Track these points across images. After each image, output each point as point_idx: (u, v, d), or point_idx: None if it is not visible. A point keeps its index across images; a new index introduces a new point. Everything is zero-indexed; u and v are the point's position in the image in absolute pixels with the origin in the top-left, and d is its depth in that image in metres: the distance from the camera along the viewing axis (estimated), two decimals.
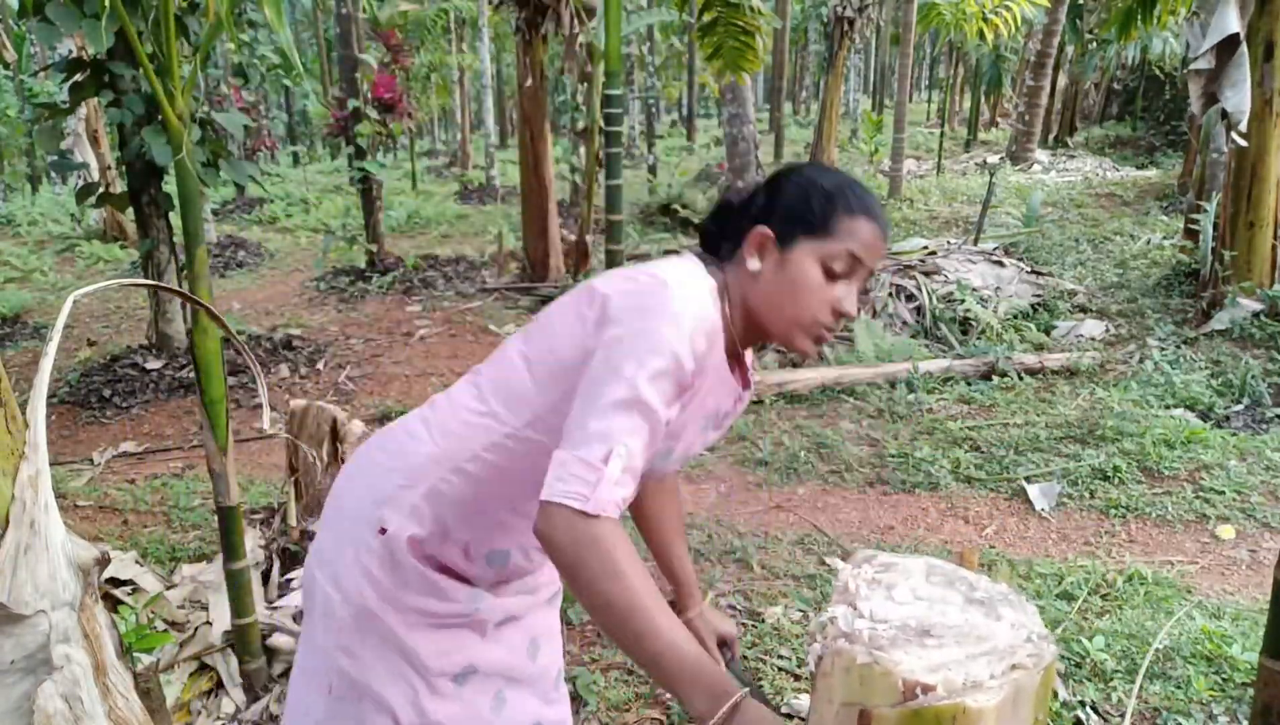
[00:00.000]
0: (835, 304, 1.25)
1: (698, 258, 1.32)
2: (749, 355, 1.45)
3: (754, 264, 1.27)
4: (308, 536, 3.09)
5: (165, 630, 2.59)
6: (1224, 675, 2.52)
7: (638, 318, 1.17)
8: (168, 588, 2.93)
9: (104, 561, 1.43)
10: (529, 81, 7.81)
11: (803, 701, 2.37)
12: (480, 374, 1.37)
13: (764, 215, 1.28)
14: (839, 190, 1.27)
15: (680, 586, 1.73)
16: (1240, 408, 4.72)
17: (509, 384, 1.30)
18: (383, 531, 1.29)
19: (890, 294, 6.39)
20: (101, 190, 5.69)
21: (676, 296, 1.18)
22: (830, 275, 1.24)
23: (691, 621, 1.71)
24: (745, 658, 2.61)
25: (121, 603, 2.67)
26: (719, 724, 1.01)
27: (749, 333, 1.33)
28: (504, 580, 1.39)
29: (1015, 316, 6.32)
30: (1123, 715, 2.35)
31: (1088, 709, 2.38)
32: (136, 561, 3.05)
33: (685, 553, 1.76)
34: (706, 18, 5.95)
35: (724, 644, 1.76)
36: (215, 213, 12.75)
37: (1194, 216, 6.97)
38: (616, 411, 1.11)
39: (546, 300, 7.63)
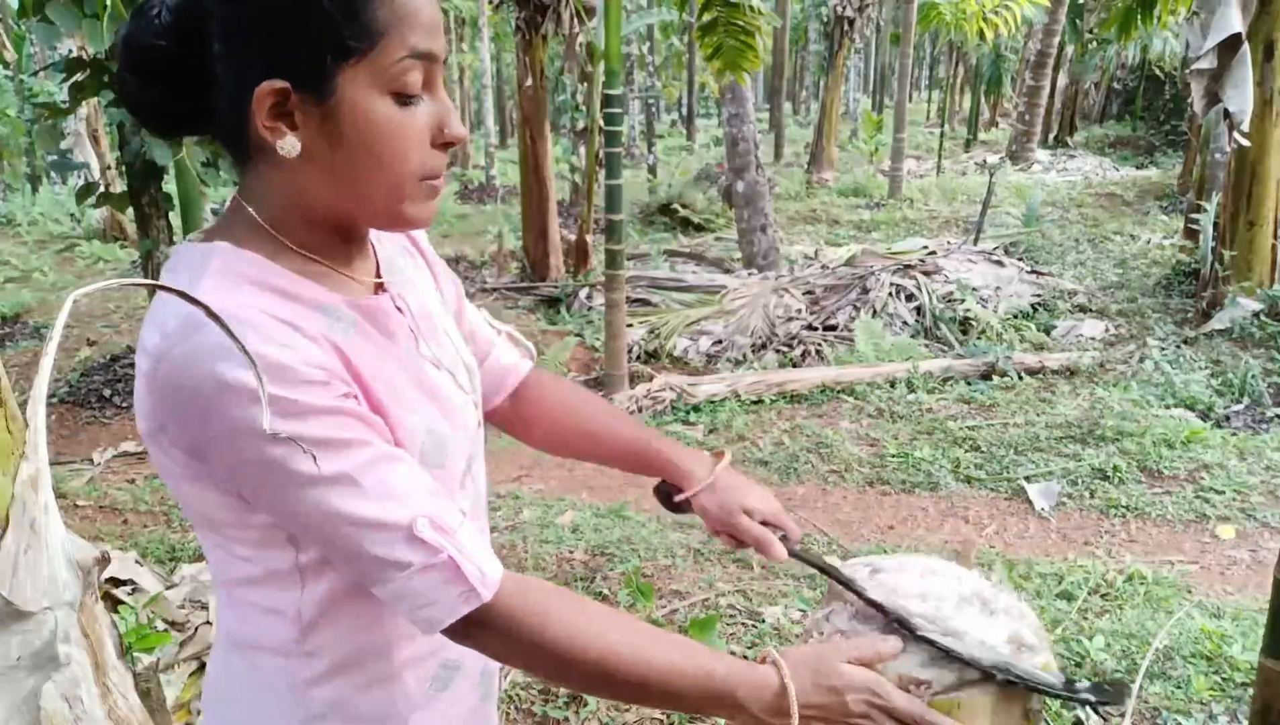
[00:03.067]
0: (433, 134, 0.85)
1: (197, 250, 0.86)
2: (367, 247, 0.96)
3: (288, 145, 0.81)
4: None
5: (165, 630, 2.59)
6: (1224, 675, 2.52)
7: (201, 427, 0.77)
8: (168, 588, 2.93)
9: (104, 561, 1.43)
10: (529, 81, 7.81)
11: None
12: None
13: (239, 58, 0.80)
14: None
15: (663, 466, 1.20)
16: (1240, 407, 4.72)
17: None
18: None
19: (890, 294, 6.39)
20: (101, 190, 5.69)
21: (184, 372, 0.76)
22: (405, 99, 0.82)
23: (701, 499, 1.18)
24: (746, 658, 2.61)
25: (121, 603, 2.67)
26: (795, 719, 0.86)
27: (329, 231, 0.88)
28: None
29: (1015, 316, 6.32)
30: (1123, 715, 2.35)
31: (1088, 708, 2.38)
32: (136, 561, 3.05)
33: (637, 425, 1.25)
34: (706, 17, 5.95)
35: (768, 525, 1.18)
36: (215, 212, 12.74)
37: (1194, 216, 6.97)
38: (340, 500, 0.78)
39: (546, 300, 7.64)
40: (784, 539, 1.15)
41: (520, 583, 0.86)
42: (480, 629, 0.84)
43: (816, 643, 0.99)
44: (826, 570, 1.06)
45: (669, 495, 1.21)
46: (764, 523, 1.16)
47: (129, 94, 0.86)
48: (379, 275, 0.94)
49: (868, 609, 0.98)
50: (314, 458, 0.77)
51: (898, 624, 0.94)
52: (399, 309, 0.93)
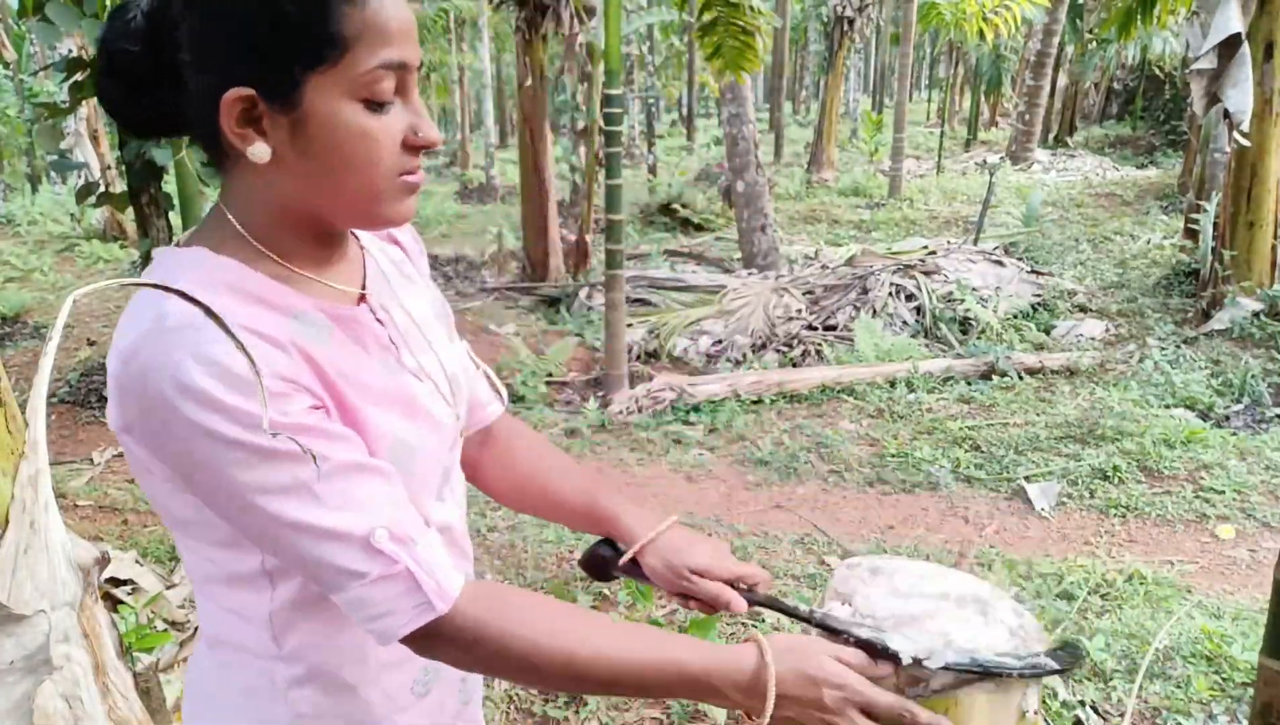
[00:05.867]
0: (406, 137, 0.84)
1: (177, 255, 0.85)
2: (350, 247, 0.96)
3: (257, 151, 0.80)
4: None
5: (165, 630, 2.59)
6: (1224, 675, 2.52)
7: (162, 429, 0.77)
8: (168, 587, 2.93)
9: (104, 561, 1.43)
10: (529, 81, 7.81)
11: None
12: None
13: (207, 65, 0.80)
14: None
15: (608, 520, 1.15)
16: (1240, 407, 4.72)
17: None
18: None
19: (890, 294, 6.39)
20: (101, 190, 5.68)
21: (154, 375, 0.75)
22: (376, 106, 0.81)
23: (647, 560, 1.11)
24: None
25: (121, 603, 2.67)
26: (771, 700, 0.86)
27: (307, 236, 0.88)
28: None
29: (1015, 316, 6.32)
30: (1123, 715, 2.35)
31: (1088, 708, 2.38)
32: (136, 561, 3.05)
33: (586, 477, 1.21)
34: (706, 17, 5.95)
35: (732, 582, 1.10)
36: None
37: (1194, 216, 6.98)
38: (295, 510, 0.79)
39: (546, 300, 7.64)
40: (751, 589, 1.08)
41: (479, 592, 0.85)
42: (438, 640, 0.84)
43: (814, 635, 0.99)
44: (794, 613, 1.01)
45: (604, 560, 1.15)
46: (723, 579, 1.08)
47: (105, 96, 0.87)
48: (364, 286, 0.94)
49: (866, 609, 0.98)
50: (266, 467, 0.77)
51: (873, 647, 0.91)
52: (379, 321, 0.93)
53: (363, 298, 0.93)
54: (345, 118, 0.80)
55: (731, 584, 1.08)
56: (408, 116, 0.84)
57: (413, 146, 0.85)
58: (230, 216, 0.85)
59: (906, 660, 0.89)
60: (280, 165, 0.82)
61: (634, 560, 1.12)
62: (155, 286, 0.80)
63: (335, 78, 0.79)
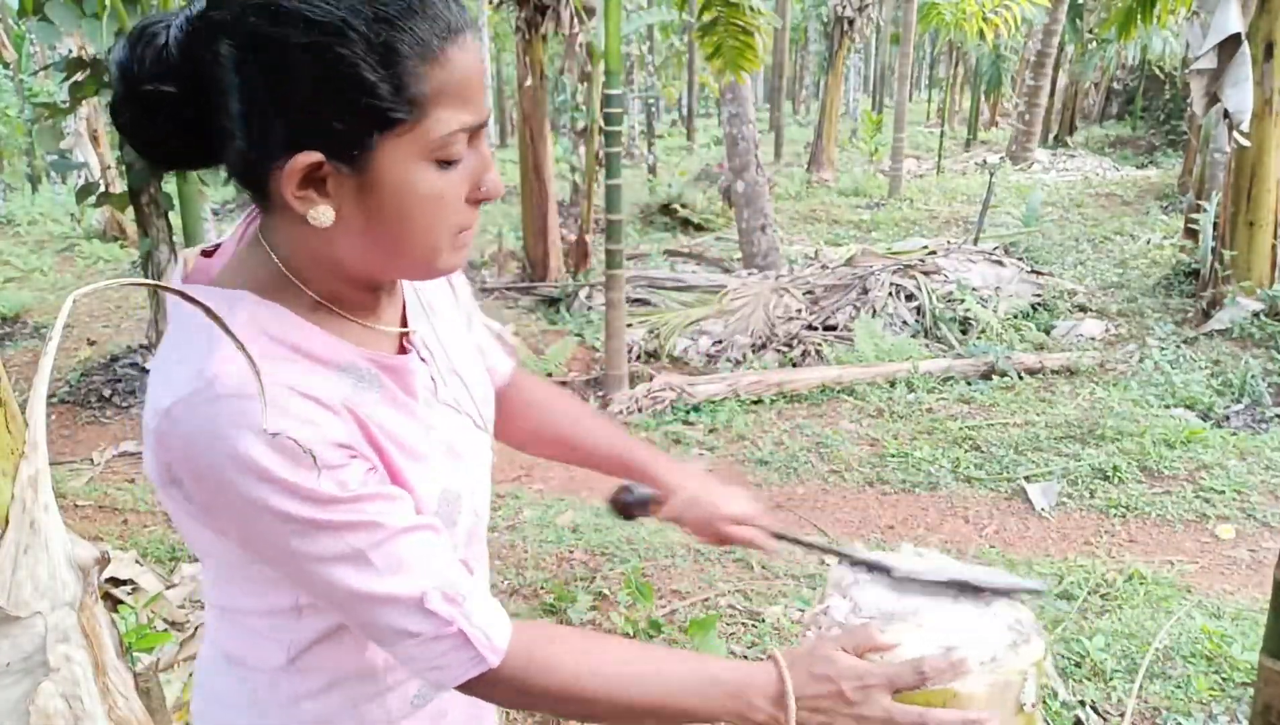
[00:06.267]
0: (472, 194, 0.82)
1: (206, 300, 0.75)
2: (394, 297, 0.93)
3: (320, 216, 0.76)
4: None
5: (165, 630, 2.59)
6: (1224, 675, 2.52)
7: (216, 494, 0.76)
8: (168, 587, 2.93)
9: (104, 561, 1.43)
10: (529, 81, 7.81)
11: None
12: None
13: (263, 121, 0.74)
14: (375, 23, 0.71)
15: (639, 469, 1.19)
16: (1240, 407, 4.72)
17: None
18: None
19: (890, 294, 6.39)
20: (101, 190, 5.69)
21: (222, 434, 0.73)
22: (446, 164, 0.78)
23: (679, 509, 1.18)
24: (745, 658, 2.61)
25: (121, 603, 2.67)
26: (792, 709, 0.88)
27: (355, 284, 0.85)
28: None
29: (1015, 316, 6.32)
30: (1123, 715, 2.35)
31: (1088, 708, 2.38)
32: (136, 561, 3.05)
33: (618, 430, 1.24)
34: (706, 17, 5.95)
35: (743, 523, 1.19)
36: (215, 212, 12.73)
37: (1194, 216, 6.98)
38: (351, 578, 0.79)
39: (546, 300, 7.64)
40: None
41: (526, 641, 0.87)
42: (489, 687, 0.86)
43: (814, 637, 1.00)
44: (812, 545, 1.15)
45: (627, 503, 1.23)
46: (746, 524, 1.18)
47: (125, 125, 0.80)
48: (404, 322, 0.92)
49: (864, 603, 1.01)
50: (324, 539, 0.78)
51: (880, 570, 1.04)
52: (422, 359, 0.92)
53: (404, 336, 0.92)
54: (416, 179, 0.76)
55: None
56: (473, 167, 0.81)
57: (476, 201, 0.83)
58: (275, 259, 0.81)
59: (900, 574, 1.03)
60: (340, 225, 0.77)
61: (659, 505, 1.20)
62: (157, 286, 0.79)
63: (410, 140, 0.75)
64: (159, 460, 0.78)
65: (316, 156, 0.73)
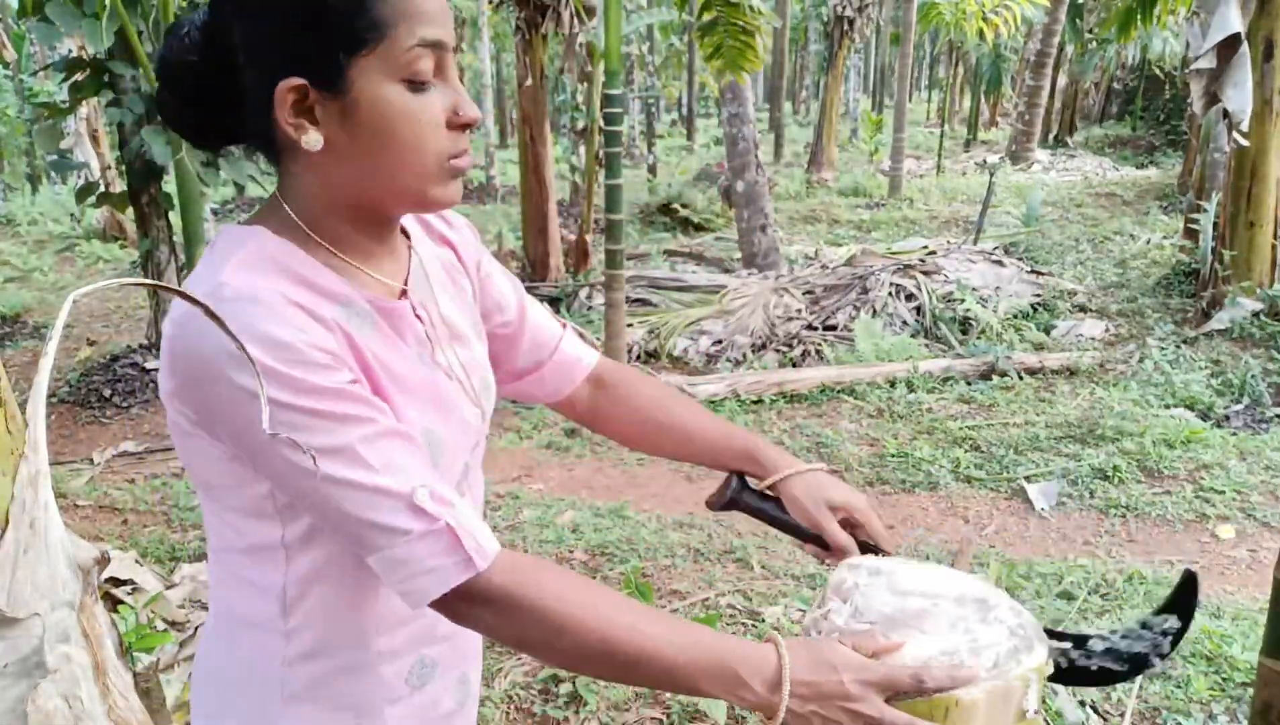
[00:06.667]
0: (449, 117, 0.87)
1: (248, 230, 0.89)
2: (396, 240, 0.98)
3: (311, 140, 0.84)
4: None
5: (165, 630, 2.59)
6: (1224, 675, 2.52)
7: (211, 391, 0.81)
8: (168, 587, 2.93)
9: (104, 561, 1.43)
10: (529, 81, 7.81)
11: None
12: None
13: (259, 63, 0.84)
14: None
15: (747, 454, 1.16)
16: (1240, 407, 4.72)
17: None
18: None
19: (890, 294, 6.39)
20: (101, 190, 5.70)
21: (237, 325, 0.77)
22: (417, 86, 0.84)
23: (789, 487, 1.13)
24: None
25: (121, 603, 2.67)
26: (786, 690, 0.86)
27: (359, 226, 0.91)
28: None
29: (1015, 316, 6.32)
30: (1122, 715, 2.35)
31: (1088, 709, 2.38)
32: (136, 561, 3.05)
33: (723, 420, 1.23)
34: (706, 17, 5.95)
35: (850, 526, 1.12)
36: (215, 212, 12.75)
37: (1194, 216, 6.97)
38: (342, 468, 0.81)
39: (546, 300, 7.64)
40: (875, 551, 1.10)
41: (515, 559, 0.87)
42: (473, 602, 0.84)
43: (815, 612, 1.01)
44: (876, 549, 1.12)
45: (737, 490, 1.17)
46: (848, 519, 1.12)
47: (169, 112, 0.92)
48: (405, 283, 0.97)
49: (865, 608, 0.98)
50: (312, 428, 0.80)
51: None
52: (418, 317, 0.96)
53: (403, 293, 0.96)
54: (389, 98, 0.84)
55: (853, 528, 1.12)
56: (448, 95, 0.88)
57: (455, 126, 0.88)
58: (285, 206, 0.90)
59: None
60: (332, 152, 0.86)
61: (766, 494, 1.15)
62: (157, 286, 0.81)
63: (378, 60, 0.83)
64: (168, 365, 0.84)
65: (300, 81, 0.83)
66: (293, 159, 0.88)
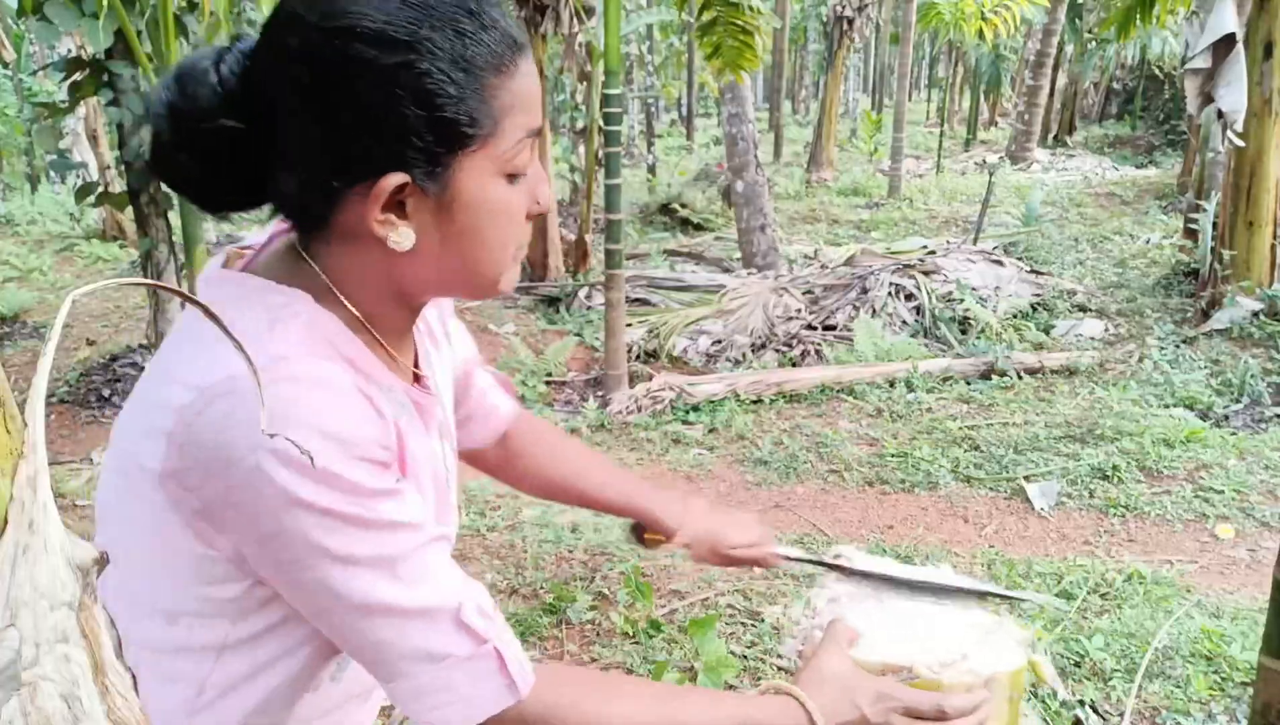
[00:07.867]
0: (530, 208, 0.82)
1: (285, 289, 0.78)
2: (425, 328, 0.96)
3: (401, 239, 0.75)
4: None
5: None
6: (1223, 674, 2.52)
7: (226, 494, 0.72)
8: None
9: (104, 561, 1.43)
10: None
11: None
12: None
13: (336, 145, 0.73)
14: (454, 39, 0.72)
15: (644, 514, 1.25)
16: (1239, 407, 4.72)
17: None
18: None
19: (890, 294, 6.39)
20: (101, 190, 5.68)
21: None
22: (514, 178, 0.79)
23: (686, 541, 1.26)
24: (745, 657, 2.61)
25: None
26: None
27: (395, 305, 0.84)
28: None
29: (1014, 316, 6.32)
30: (1122, 715, 2.35)
31: (1087, 708, 2.38)
32: None
33: (619, 474, 1.31)
34: (706, 17, 5.94)
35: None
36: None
37: (1193, 216, 6.98)
38: (377, 587, 0.73)
39: (546, 300, 7.64)
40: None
41: (551, 676, 0.81)
42: None
43: (807, 622, 1.03)
44: (813, 561, 1.22)
45: (641, 538, 1.34)
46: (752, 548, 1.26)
47: (178, 172, 0.78)
48: (416, 363, 0.91)
49: (851, 615, 1.03)
50: (363, 540, 0.72)
51: (885, 581, 1.10)
52: (440, 406, 0.93)
53: (417, 377, 0.91)
54: (490, 196, 0.77)
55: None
56: (533, 182, 0.81)
57: (534, 215, 0.82)
58: (318, 270, 0.79)
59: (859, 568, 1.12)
60: (415, 252, 0.77)
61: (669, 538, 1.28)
62: (156, 286, 0.80)
63: (485, 155, 0.75)
64: (168, 456, 0.72)
65: (403, 178, 0.73)
66: (349, 242, 0.77)
